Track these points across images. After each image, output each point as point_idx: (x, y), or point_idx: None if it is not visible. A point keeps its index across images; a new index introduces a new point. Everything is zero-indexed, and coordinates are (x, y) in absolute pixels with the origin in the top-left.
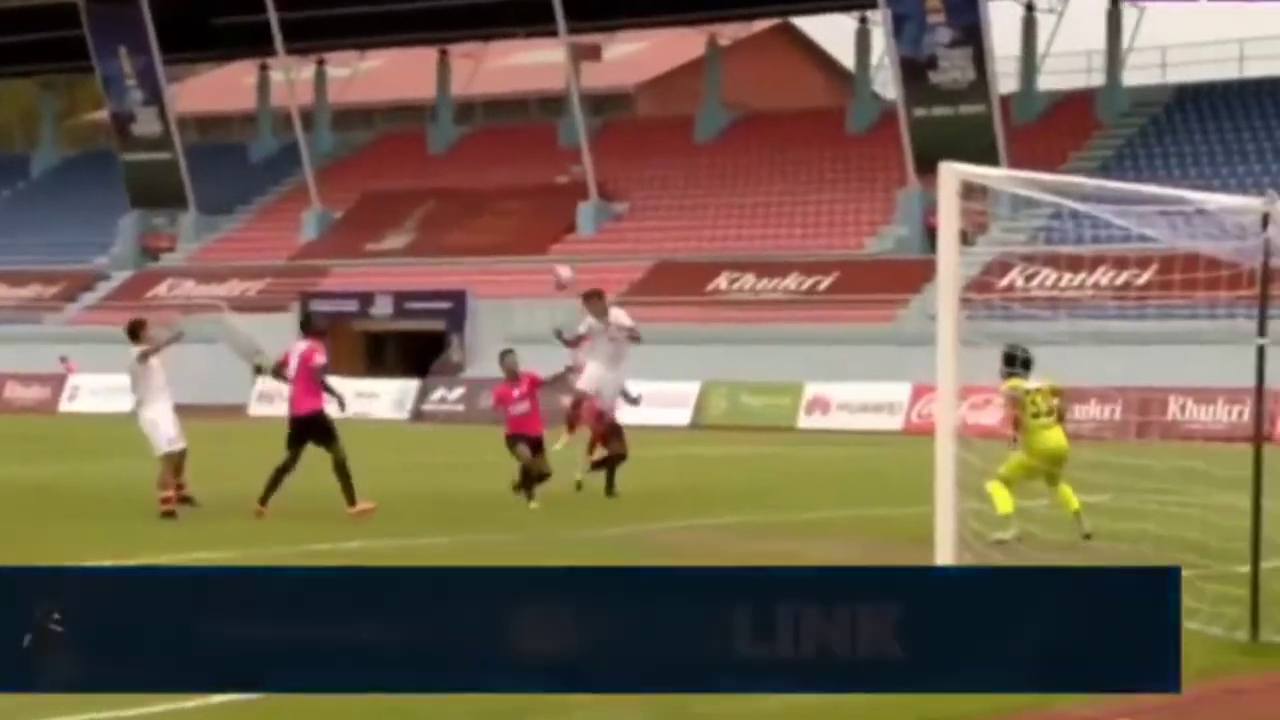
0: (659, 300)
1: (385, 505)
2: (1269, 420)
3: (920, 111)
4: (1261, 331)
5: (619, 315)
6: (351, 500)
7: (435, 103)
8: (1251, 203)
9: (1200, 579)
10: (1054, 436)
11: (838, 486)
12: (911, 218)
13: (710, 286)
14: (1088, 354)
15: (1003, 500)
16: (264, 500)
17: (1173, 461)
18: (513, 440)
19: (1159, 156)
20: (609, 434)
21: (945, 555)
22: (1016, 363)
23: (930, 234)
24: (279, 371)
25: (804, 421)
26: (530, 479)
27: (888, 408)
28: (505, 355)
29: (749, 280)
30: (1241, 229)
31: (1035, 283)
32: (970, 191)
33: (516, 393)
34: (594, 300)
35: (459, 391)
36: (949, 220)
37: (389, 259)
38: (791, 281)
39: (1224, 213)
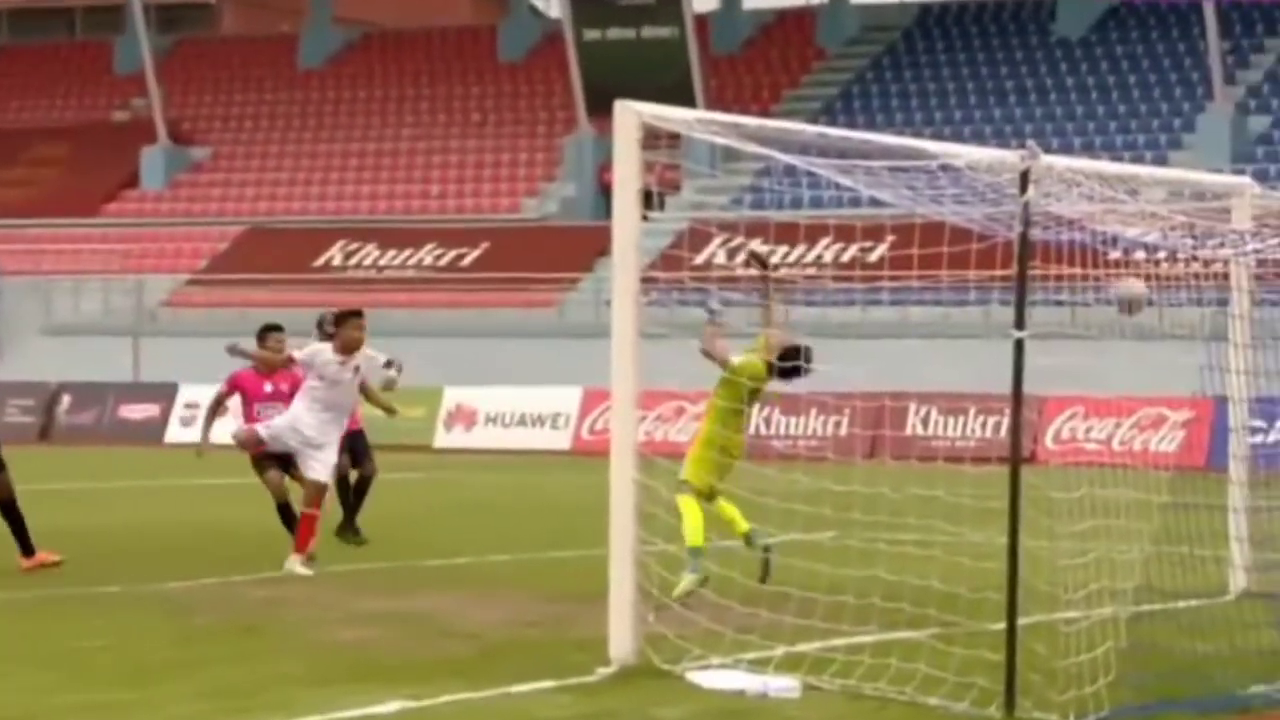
0: (251, 278)
1: None
2: (1030, 435)
3: (592, 34)
4: (1019, 323)
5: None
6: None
7: None
8: (1007, 157)
9: (943, 641)
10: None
11: (494, 522)
12: (582, 172)
13: (319, 260)
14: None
15: (693, 528)
16: None
17: (911, 489)
18: (263, 462)
19: (896, 95)
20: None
21: (621, 623)
22: (791, 365)
23: (605, 194)
24: None
25: (442, 438)
26: (292, 515)
27: (551, 419)
28: (268, 333)
29: (370, 253)
30: (996, 190)
31: (740, 259)
32: (656, 139)
33: (269, 387)
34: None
35: None
36: (628, 176)
37: None
38: (426, 255)
39: (974, 170)
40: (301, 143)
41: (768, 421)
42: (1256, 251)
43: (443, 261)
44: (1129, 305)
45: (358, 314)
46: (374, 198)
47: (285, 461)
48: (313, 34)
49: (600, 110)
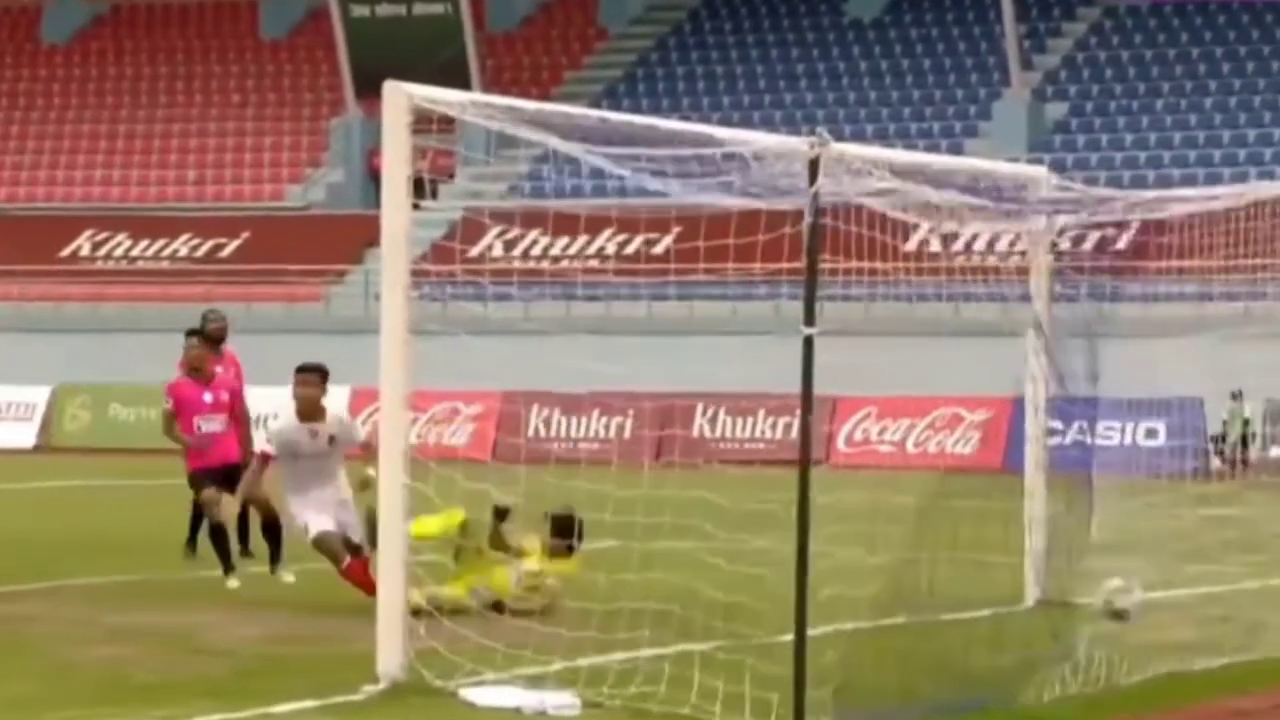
0: None
1: None
2: (821, 436)
3: (361, 9)
4: (809, 319)
5: None
6: None
7: None
8: (797, 145)
9: (725, 651)
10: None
11: (254, 531)
12: (350, 158)
13: (66, 251)
14: (587, 347)
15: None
16: None
17: (699, 492)
18: (199, 479)
19: (682, 78)
20: None
21: (390, 638)
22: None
23: (374, 180)
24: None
25: None
26: (224, 535)
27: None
28: (209, 321)
29: (121, 242)
30: (788, 179)
31: (518, 250)
32: (429, 122)
33: (209, 397)
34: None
35: None
36: (398, 162)
37: None
38: (182, 245)
39: (762, 158)
40: (45, 123)
41: (547, 424)
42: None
43: (200, 252)
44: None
45: (306, 370)
46: (125, 184)
47: (226, 481)
48: (57, 6)
49: (369, 91)
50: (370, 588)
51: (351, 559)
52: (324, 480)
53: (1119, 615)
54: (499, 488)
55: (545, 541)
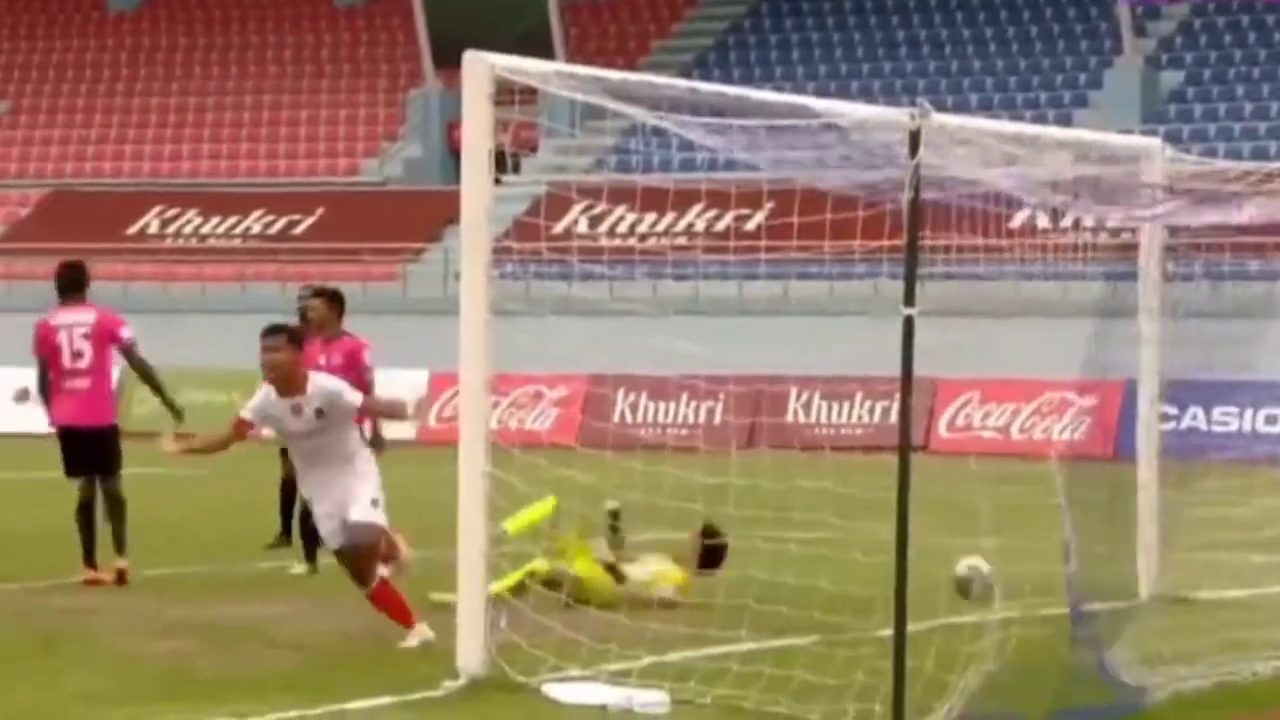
0: (56, 247)
1: None
2: (921, 421)
3: None
4: (909, 298)
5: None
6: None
7: None
8: (897, 116)
9: (826, 646)
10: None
11: None
12: (428, 131)
13: (133, 228)
14: (675, 328)
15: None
16: None
17: (794, 480)
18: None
19: (775, 47)
20: None
21: (470, 632)
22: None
23: (454, 155)
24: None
25: None
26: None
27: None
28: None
29: (191, 220)
30: (887, 152)
31: (604, 227)
32: (511, 94)
33: (324, 359)
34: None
35: None
36: (479, 136)
37: None
38: (254, 222)
39: (861, 129)
40: (113, 95)
41: (634, 408)
42: (1167, 215)
43: (272, 230)
44: (963, 586)
45: (269, 332)
46: (195, 158)
47: None
48: None
49: (448, 61)
50: (399, 613)
51: (376, 586)
52: (330, 463)
53: (964, 586)
54: (583, 474)
55: (687, 559)
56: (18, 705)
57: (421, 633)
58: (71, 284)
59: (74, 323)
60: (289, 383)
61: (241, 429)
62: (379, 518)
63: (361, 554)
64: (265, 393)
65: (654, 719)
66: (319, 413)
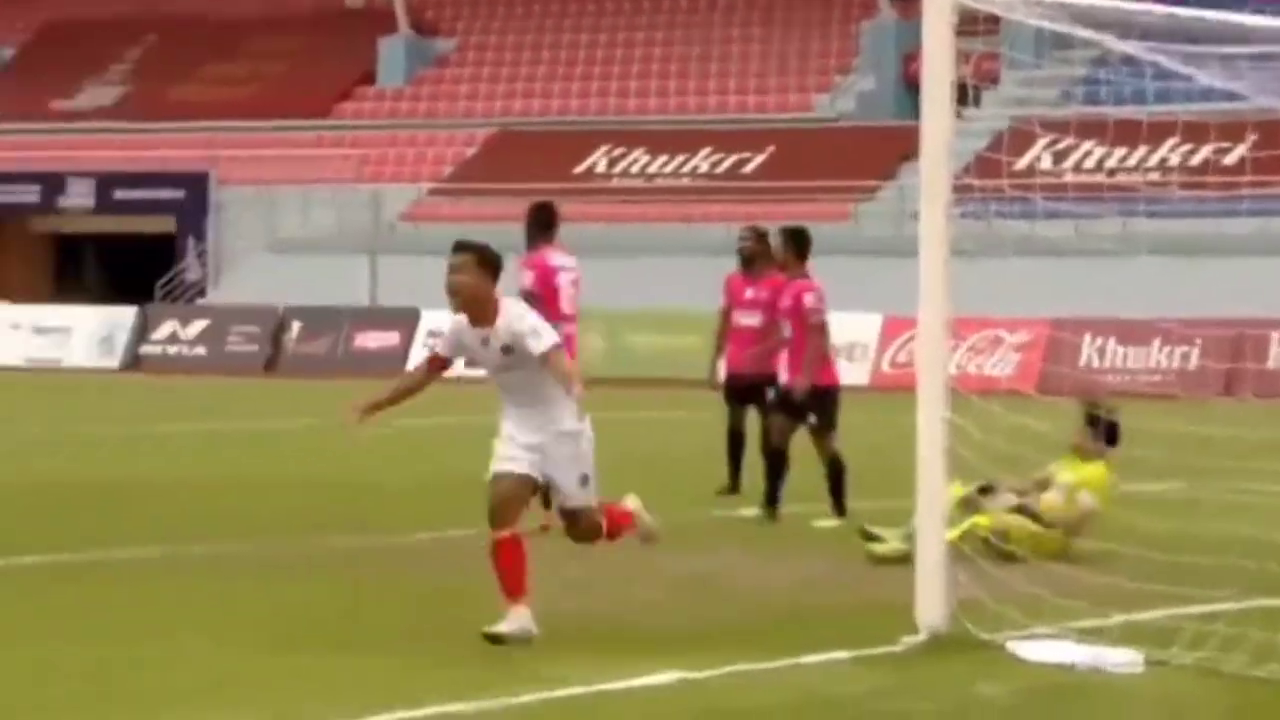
0: (502, 187)
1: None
2: None
3: None
4: None
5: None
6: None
7: None
8: None
9: None
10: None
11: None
12: (882, 64)
13: (580, 167)
14: (1148, 269)
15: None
16: None
17: (1276, 430)
18: (736, 389)
19: None
20: None
21: (930, 586)
22: (1099, 428)
23: (911, 88)
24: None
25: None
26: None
27: (846, 350)
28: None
29: (639, 159)
30: None
31: (1069, 162)
32: (973, 23)
33: (750, 293)
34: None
35: (198, 326)
36: (940, 68)
37: (87, 123)
38: (702, 161)
39: None
40: (560, 32)
41: (1101, 353)
42: None
43: (721, 169)
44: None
45: (457, 249)
46: (642, 95)
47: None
48: None
49: None
50: (511, 579)
51: (507, 535)
52: (525, 402)
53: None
54: (1039, 421)
55: (1078, 441)
56: (464, 649)
57: (521, 618)
58: (544, 224)
59: (567, 265)
60: (476, 311)
61: (435, 365)
62: (590, 497)
63: (587, 540)
64: (457, 322)
65: (1124, 680)
66: (505, 349)
